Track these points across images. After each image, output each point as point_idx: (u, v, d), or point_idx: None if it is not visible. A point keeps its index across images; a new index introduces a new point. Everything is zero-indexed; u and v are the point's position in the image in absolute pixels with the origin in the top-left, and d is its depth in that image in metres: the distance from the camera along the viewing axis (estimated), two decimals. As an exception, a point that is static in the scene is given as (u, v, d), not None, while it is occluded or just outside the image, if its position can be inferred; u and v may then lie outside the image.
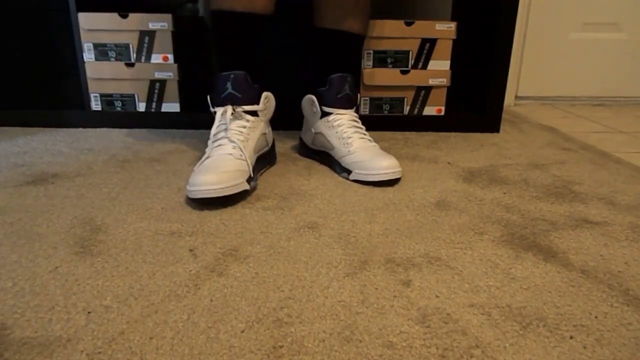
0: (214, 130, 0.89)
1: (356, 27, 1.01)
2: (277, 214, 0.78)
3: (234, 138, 0.85)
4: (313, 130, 1.02)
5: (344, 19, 0.98)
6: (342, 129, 0.97)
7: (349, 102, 0.99)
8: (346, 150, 0.94)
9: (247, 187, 0.81)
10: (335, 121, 0.98)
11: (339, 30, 0.99)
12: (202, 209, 0.79)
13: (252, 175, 0.85)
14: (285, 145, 1.17)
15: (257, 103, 0.91)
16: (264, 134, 0.94)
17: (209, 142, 0.88)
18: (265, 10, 0.92)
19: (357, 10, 1.00)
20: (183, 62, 1.31)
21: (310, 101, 1.01)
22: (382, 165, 0.89)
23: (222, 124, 0.88)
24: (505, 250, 0.67)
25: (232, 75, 0.88)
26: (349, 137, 0.96)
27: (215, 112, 0.90)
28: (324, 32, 1.01)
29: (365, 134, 0.98)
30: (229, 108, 0.87)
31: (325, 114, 0.99)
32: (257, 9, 0.91)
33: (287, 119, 1.30)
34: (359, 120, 1.00)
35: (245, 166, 0.83)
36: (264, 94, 0.93)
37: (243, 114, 0.89)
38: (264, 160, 0.97)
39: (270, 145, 0.99)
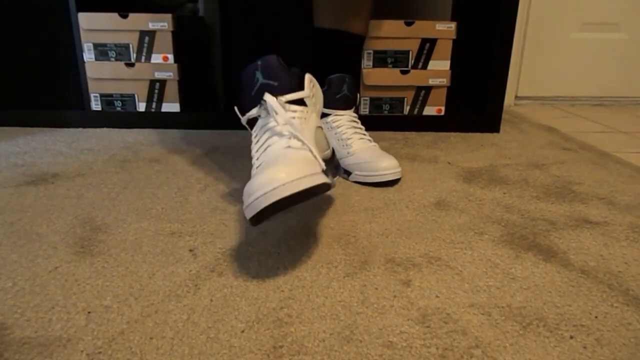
0: (254, 139, 0.67)
1: (356, 27, 1.00)
2: (277, 214, 0.77)
3: (286, 130, 0.62)
4: None
5: (344, 18, 0.98)
6: (341, 130, 0.97)
7: (347, 103, 0.99)
8: (345, 152, 0.94)
9: (326, 179, 0.58)
10: (333, 122, 0.98)
11: (338, 30, 0.99)
12: (204, 209, 0.79)
13: (324, 170, 0.61)
14: (285, 145, 1.17)
15: (302, 88, 0.68)
16: (320, 127, 0.70)
17: (253, 152, 0.66)
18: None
19: (358, 9, 0.99)
20: (183, 62, 1.31)
21: None
22: (382, 166, 0.89)
23: (264, 124, 0.66)
24: (505, 250, 0.67)
25: (259, 62, 0.67)
26: (348, 138, 0.96)
27: (247, 122, 0.70)
28: (323, 32, 1.00)
29: (364, 134, 0.98)
30: (270, 97, 0.65)
31: (323, 115, 0.99)
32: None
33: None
34: (358, 120, 1.00)
35: (311, 156, 0.60)
36: (307, 75, 0.70)
37: (287, 104, 0.66)
38: (331, 167, 0.73)
39: (331, 150, 0.75)
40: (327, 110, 0.99)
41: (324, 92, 0.98)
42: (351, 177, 0.93)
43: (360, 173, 0.91)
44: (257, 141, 0.65)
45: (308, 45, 0.90)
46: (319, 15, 1.01)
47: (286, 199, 0.52)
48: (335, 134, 0.97)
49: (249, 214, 0.54)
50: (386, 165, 0.89)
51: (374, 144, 0.96)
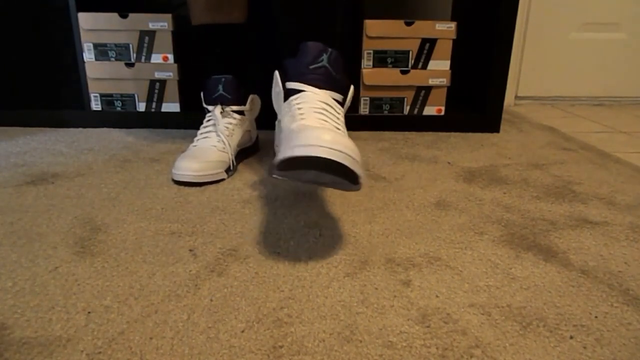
0: (204, 123, 1.00)
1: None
2: (277, 214, 0.78)
3: (220, 133, 0.96)
4: (278, 123, 0.86)
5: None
6: (301, 110, 0.64)
7: (328, 81, 0.68)
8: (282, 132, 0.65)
9: (224, 176, 0.92)
10: (296, 102, 0.66)
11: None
12: (204, 209, 0.79)
13: (232, 165, 0.95)
14: (285, 145, 1.17)
15: (244, 104, 1.02)
16: (249, 131, 1.05)
17: (198, 132, 0.99)
18: (238, 19, 0.99)
19: None
20: (183, 62, 1.31)
21: (274, 80, 0.75)
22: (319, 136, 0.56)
23: (211, 119, 1.00)
24: (505, 250, 0.67)
25: (223, 79, 0.99)
26: (301, 114, 0.64)
27: (207, 109, 1.02)
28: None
29: (333, 120, 0.64)
30: (219, 107, 0.98)
31: (292, 92, 0.68)
32: (231, 19, 0.98)
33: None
34: (339, 112, 0.67)
35: (226, 158, 0.94)
36: (251, 96, 1.04)
37: (231, 112, 1.00)
38: (246, 152, 1.08)
39: (253, 141, 1.09)
40: (293, 85, 0.69)
41: (292, 62, 0.72)
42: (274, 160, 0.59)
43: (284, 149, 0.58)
44: (205, 126, 0.99)
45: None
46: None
47: (189, 183, 0.89)
48: (292, 115, 0.66)
49: (173, 177, 0.90)
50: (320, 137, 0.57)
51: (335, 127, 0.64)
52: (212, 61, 1.02)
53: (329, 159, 0.54)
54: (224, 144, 0.94)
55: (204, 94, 1.02)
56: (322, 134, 0.55)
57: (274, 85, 0.76)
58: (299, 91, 0.68)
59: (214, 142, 0.94)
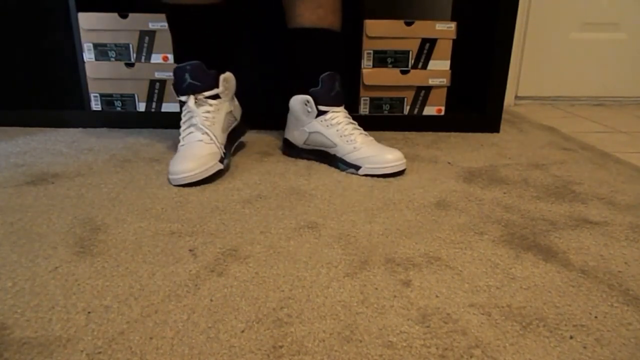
0: (183, 118, 0.98)
1: (337, 24, 1.02)
2: (277, 214, 0.78)
3: (201, 125, 0.94)
4: (307, 130, 1.03)
5: (325, 17, 1.00)
6: (342, 126, 1.00)
7: (340, 99, 1.03)
8: (351, 147, 0.98)
9: (220, 167, 0.91)
10: (332, 119, 1.01)
11: (322, 29, 1.00)
12: (204, 209, 0.79)
13: (223, 154, 0.94)
14: (285, 145, 1.17)
15: (217, 87, 0.98)
16: (230, 111, 1.02)
17: (180, 129, 0.98)
18: (212, 0, 0.95)
19: (336, 7, 1.01)
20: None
21: (303, 101, 1.02)
22: (389, 158, 0.95)
23: (189, 112, 0.97)
24: (505, 250, 0.67)
25: (188, 67, 0.94)
26: (350, 134, 1.00)
27: (180, 101, 0.98)
28: (303, 32, 1.01)
29: (360, 128, 1.02)
30: (191, 98, 0.95)
31: (321, 113, 1.01)
32: (204, 1, 0.95)
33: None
34: (350, 116, 1.04)
35: (215, 149, 0.92)
36: (222, 76, 0.98)
37: (205, 100, 0.96)
38: (235, 134, 1.05)
39: (239, 119, 1.06)
40: (324, 108, 1.01)
41: (318, 91, 1.01)
42: (361, 171, 0.96)
43: (372, 166, 0.95)
44: (185, 121, 0.97)
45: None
46: (296, 15, 1.00)
47: (192, 183, 0.88)
48: (337, 130, 1.00)
49: (172, 182, 0.89)
50: (393, 157, 0.95)
51: (371, 138, 1.01)
52: (183, 46, 0.98)
53: (401, 170, 0.97)
54: (208, 135, 0.93)
55: (173, 86, 0.98)
56: (387, 155, 0.95)
57: (302, 105, 1.02)
58: (327, 112, 1.01)
59: (199, 137, 0.93)
